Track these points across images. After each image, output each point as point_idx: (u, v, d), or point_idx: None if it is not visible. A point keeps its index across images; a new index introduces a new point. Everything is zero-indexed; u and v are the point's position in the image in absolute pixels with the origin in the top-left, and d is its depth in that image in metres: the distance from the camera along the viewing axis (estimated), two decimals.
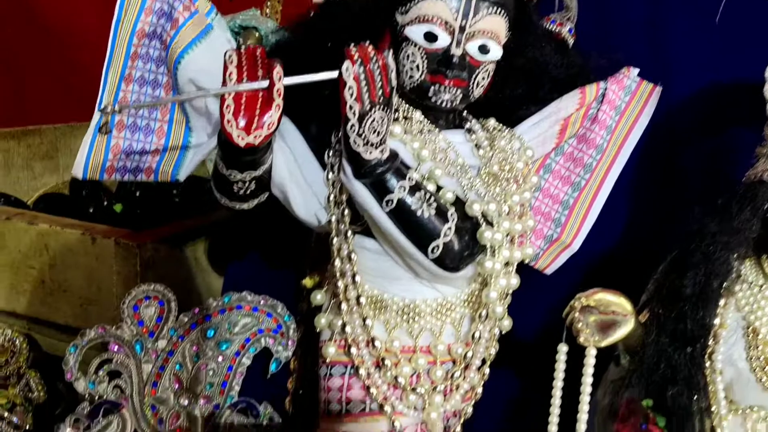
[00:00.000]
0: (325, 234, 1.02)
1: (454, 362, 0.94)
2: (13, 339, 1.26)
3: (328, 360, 0.93)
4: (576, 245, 0.98)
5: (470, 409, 0.97)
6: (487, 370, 0.96)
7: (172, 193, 1.78)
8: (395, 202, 0.83)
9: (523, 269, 0.95)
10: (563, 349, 0.87)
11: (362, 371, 0.91)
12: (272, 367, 1.14)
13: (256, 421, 1.12)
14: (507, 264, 0.91)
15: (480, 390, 0.97)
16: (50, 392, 1.26)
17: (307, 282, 1.12)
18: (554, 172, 0.99)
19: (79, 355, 1.09)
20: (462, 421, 0.97)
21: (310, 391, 1.10)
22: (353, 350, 0.91)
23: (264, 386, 1.16)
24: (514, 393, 1.13)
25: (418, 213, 0.83)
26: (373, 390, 0.91)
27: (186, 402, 1.10)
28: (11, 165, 1.71)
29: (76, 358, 1.09)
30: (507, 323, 0.96)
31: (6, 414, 1.14)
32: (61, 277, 1.30)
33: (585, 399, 0.84)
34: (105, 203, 1.73)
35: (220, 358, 1.13)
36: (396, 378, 0.90)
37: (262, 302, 1.15)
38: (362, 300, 0.91)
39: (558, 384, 0.87)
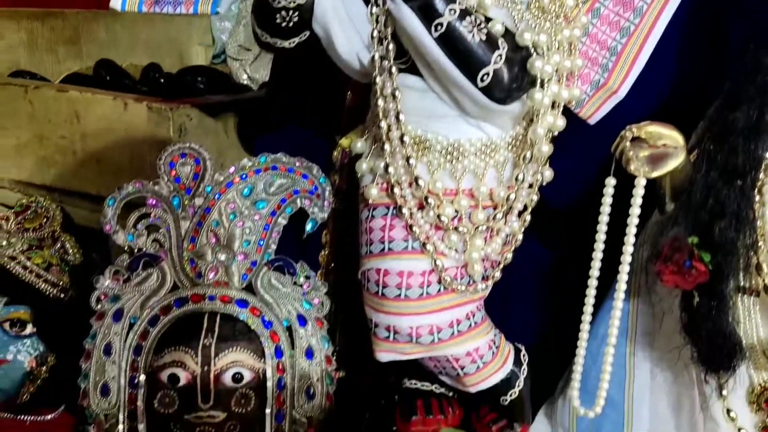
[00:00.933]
0: (361, 87, 1.00)
1: (495, 207, 0.93)
2: (45, 205, 1.26)
3: (370, 201, 0.93)
4: (622, 92, 0.96)
5: (510, 256, 0.97)
6: (528, 217, 0.96)
7: (196, 80, 1.77)
8: (444, 26, 0.81)
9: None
10: (611, 182, 0.86)
11: (405, 211, 0.91)
12: (308, 227, 1.14)
13: (293, 279, 1.13)
14: (554, 104, 0.89)
15: (520, 237, 0.97)
16: (85, 260, 1.28)
17: (344, 142, 1.11)
18: (603, 17, 0.96)
19: (117, 208, 1.09)
20: (501, 267, 0.97)
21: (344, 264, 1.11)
22: (396, 191, 0.91)
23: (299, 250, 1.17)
24: (550, 254, 1.13)
25: (468, 38, 0.81)
26: (415, 229, 0.91)
27: (223, 257, 1.10)
28: (35, 47, 1.69)
29: (114, 211, 1.09)
30: (548, 174, 0.95)
31: (42, 273, 1.15)
32: (93, 146, 1.30)
33: (631, 231, 0.84)
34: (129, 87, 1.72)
35: (256, 217, 1.13)
36: (439, 217, 0.90)
37: (297, 164, 1.14)
38: (406, 139, 0.90)
39: (604, 219, 0.86)
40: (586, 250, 0.94)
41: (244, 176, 1.13)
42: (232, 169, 1.13)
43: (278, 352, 1.09)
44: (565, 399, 1.04)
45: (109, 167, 1.32)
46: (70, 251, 1.24)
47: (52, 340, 1.13)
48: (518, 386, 1.02)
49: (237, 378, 1.06)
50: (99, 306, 1.08)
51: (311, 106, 1.28)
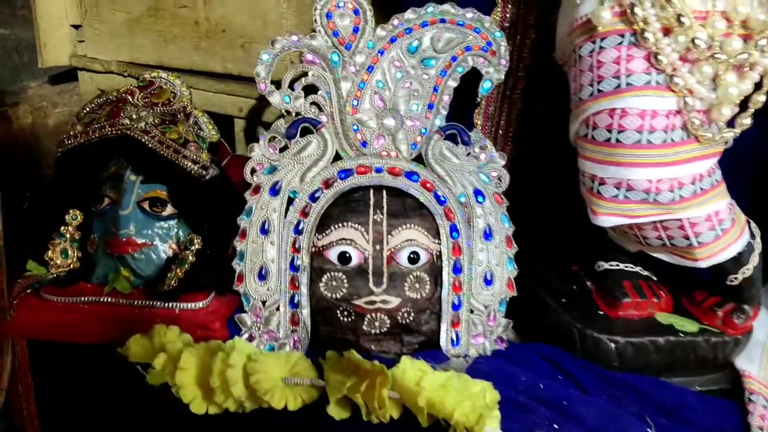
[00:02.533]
0: None
1: (750, 37, 0.76)
2: (171, 80, 1.13)
3: (600, 29, 0.77)
4: None
5: (762, 99, 0.80)
6: None
7: None
8: None
9: None
10: None
11: (648, 36, 0.75)
12: (483, 90, 0.99)
13: (468, 149, 0.98)
14: None
15: None
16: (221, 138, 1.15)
17: None
18: None
19: (271, 65, 0.95)
20: (751, 113, 0.81)
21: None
22: (637, 12, 0.75)
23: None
24: None
25: None
26: (661, 58, 0.75)
27: (390, 123, 0.96)
28: None
29: (268, 68, 0.95)
30: None
31: (180, 148, 1.03)
32: (218, 13, 1.15)
33: None
34: None
35: (424, 77, 0.98)
36: (693, 42, 0.74)
37: (468, 15, 0.99)
38: None
39: None
40: None
41: (409, 30, 0.98)
42: (395, 22, 0.98)
43: (454, 232, 0.96)
44: None
45: (238, 37, 1.16)
46: (205, 128, 1.11)
47: (196, 221, 1.01)
48: (752, 262, 0.87)
49: (413, 258, 0.94)
50: (254, 178, 0.96)
51: None
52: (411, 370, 0.85)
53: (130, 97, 1.07)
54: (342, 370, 0.86)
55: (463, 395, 0.83)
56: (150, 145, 1.01)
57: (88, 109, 1.09)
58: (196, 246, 0.99)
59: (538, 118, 1.11)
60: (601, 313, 0.93)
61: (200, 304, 0.96)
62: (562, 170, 0.96)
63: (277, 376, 0.84)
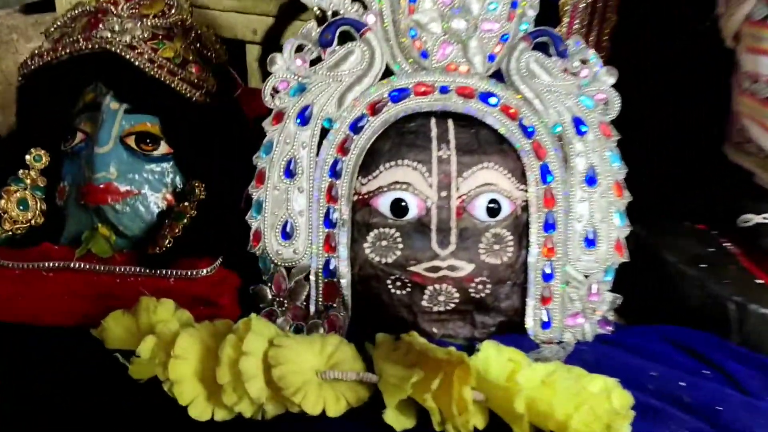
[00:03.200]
0: None
1: None
2: None
3: None
4: None
5: None
6: None
7: None
8: None
9: None
10: None
11: None
12: None
13: (564, 62, 0.73)
14: None
15: None
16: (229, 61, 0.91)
17: None
18: None
19: None
20: None
21: None
22: None
23: None
24: None
25: None
26: None
27: (460, 26, 0.71)
28: None
29: None
30: None
31: (177, 69, 0.79)
32: None
33: None
34: None
35: None
36: None
37: None
38: None
39: None
40: None
41: None
42: None
43: (547, 174, 0.71)
44: None
45: None
46: (209, 45, 0.86)
47: (198, 163, 0.77)
48: None
49: (492, 209, 0.69)
50: (275, 101, 0.71)
51: None
52: (498, 360, 0.61)
53: (113, 7, 0.82)
54: (401, 360, 0.62)
55: (579, 397, 0.59)
56: (137, 64, 0.77)
57: (59, 23, 0.85)
58: (199, 196, 0.75)
59: (638, 39, 0.86)
60: (759, 281, 0.68)
61: (203, 272, 0.72)
62: (673, 99, 0.72)
63: (309, 367, 0.61)
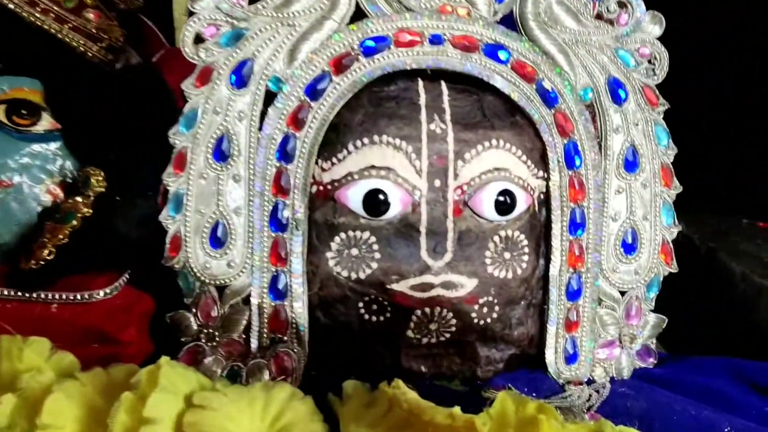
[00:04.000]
0: None
1: None
2: None
3: None
4: None
5: None
6: None
7: None
8: None
9: None
10: None
11: None
12: None
13: (597, 5, 0.55)
14: None
15: None
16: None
17: None
18: None
19: None
20: None
21: None
22: None
23: None
24: None
25: None
26: None
27: None
28: None
29: None
30: None
31: (70, 16, 0.58)
32: None
33: None
34: None
35: None
36: None
37: None
38: None
39: None
40: None
41: None
42: None
43: (572, 156, 0.53)
44: None
45: None
46: None
47: (96, 144, 0.56)
48: None
49: (503, 204, 0.50)
50: (200, 53, 0.51)
51: None
52: (520, 415, 0.42)
53: None
54: (379, 422, 0.43)
55: None
56: (11, 6, 0.55)
57: None
58: (95, 188, 0.54)
59: None
60: None
61: (100, 295, 0.52)
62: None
63: None
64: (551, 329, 0.54)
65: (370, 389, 0.47)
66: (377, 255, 0.50)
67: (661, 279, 0.56)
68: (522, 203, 0.51)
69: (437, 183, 0.50)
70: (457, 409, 0.40)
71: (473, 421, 0.40)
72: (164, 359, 0.45)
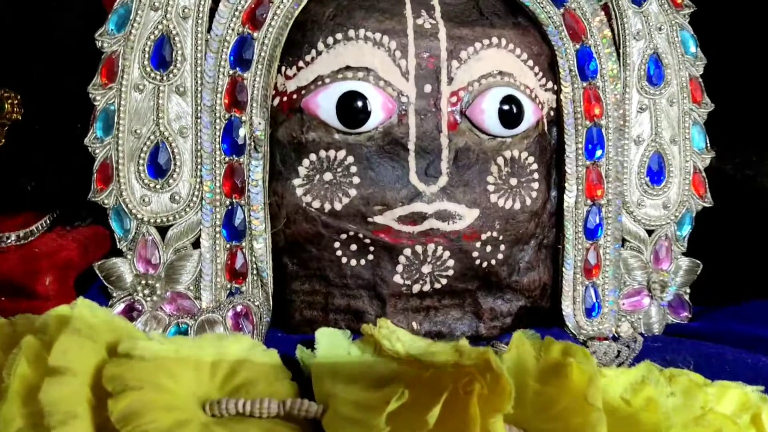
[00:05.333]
0: None
1: None
2: None
3: None
4: None
5: None
6: None
7: None
8: None
9: None
10: None
11: None
12: None
13: None
14: None
15: None
16: None
17: None
18: None
19: None
20: None
21: None
22: None
23: None
24: None
25: None
26: None
27: None
28: None
29: None
30: None
31: None
32: None
33: None
34: None
35: None
36: None
37: None
38: None
39: None
40: None
41: None
42: None
43: (586, 63, 0.44)
44: None
45: None
46: None
47: (10, 61, 0.47)
48: None
49: (508, 114, 0.42)
50: None
51: None
52: (541, 361, 0.33)
53: None
54: (363, 375, 0.34)
55: (701, 424, 0.31)
56: None
57: None
58: (10, 113, 0.45)
59: None
60: None
61: (11, 239, 0.41)
62: None
63: (190, 395, 0.32)
64: (568, 274, 0.45)
65: (350, 337, 0.38)
66: (356, 180, 0.41)
67: (694, 215, 0.48)
68: (530, 115, 0.43)
69: (428, 88, 0.41)
70: (464, 342, 0.31)
71: (488, 357, 0.30)
72: (82, 299, 0.35)
